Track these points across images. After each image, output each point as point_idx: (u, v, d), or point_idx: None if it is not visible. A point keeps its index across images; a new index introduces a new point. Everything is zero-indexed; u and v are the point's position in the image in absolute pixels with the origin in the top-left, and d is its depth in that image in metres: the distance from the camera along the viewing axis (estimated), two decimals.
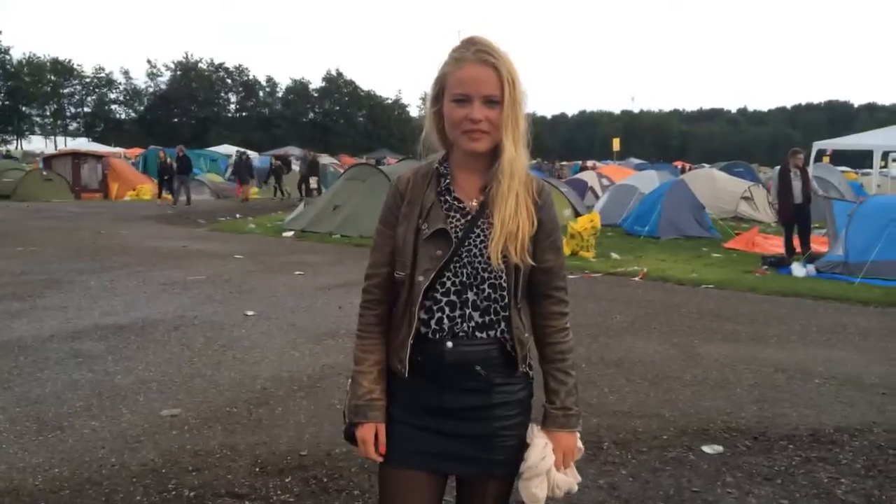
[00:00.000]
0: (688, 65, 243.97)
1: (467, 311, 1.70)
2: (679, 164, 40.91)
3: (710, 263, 11.28)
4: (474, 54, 1.65)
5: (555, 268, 1.79)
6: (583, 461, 3.80)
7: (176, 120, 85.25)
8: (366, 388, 1.76)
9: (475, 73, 1.64)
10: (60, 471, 3.60)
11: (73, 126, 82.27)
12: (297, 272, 9.85)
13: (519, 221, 1.68)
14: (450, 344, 1.70)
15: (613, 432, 4.23)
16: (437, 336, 1.70)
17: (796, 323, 7.23)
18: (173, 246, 12.52)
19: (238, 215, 18.89)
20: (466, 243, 1.70)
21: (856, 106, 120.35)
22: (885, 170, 23.17)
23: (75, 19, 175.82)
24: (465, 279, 1.70)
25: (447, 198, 1.74)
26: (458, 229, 1.71)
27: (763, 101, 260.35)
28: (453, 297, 1.70)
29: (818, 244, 11.72)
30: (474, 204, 1.73)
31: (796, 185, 11.37)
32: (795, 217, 11.44)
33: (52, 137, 77.91)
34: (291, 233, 14.62)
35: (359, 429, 1.77)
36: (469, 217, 1.72)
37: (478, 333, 1.71)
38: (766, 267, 10.65)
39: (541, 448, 1.75)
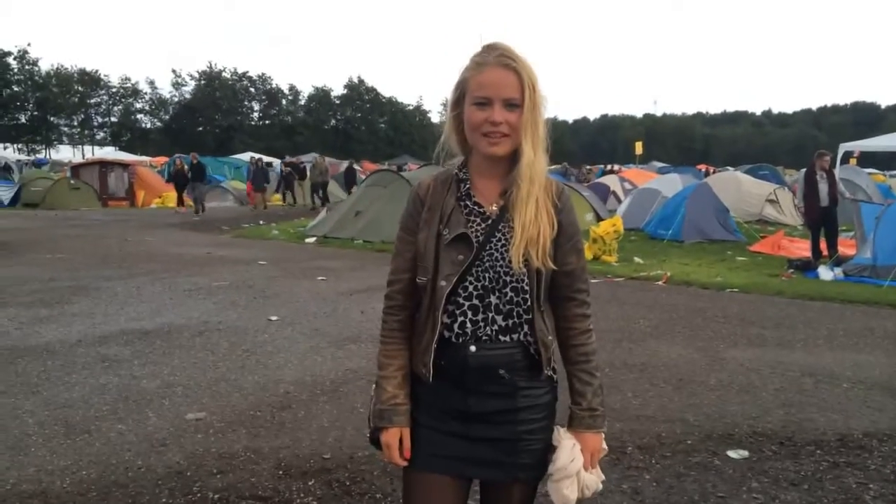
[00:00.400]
0: (711, 67, 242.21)
1: (490, 315, 1.71)
2: (703, 167, 40.56)
3: (734, 267, 11.17)
4: (496, 59, 1.67)
5: (576, 270, 1.79)
6: (606, 466, 3.79)
7: (200, 129, 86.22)
8: (390, 392, 1.77)
9: (496, 77, 1.66)
10: (88, 473, 3.65)
11: (100, 135, 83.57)
12: (319, 278, 9.91)
13: (540, 226, 1.69)
14: (473, 348, 1.70)
15: (637, 437, 4.20)
16: (461, 340, 1.71)
17: (823, 327, 7.13)
18: (198, 252, 12.65)
19: (262, 221, 19.05)
20: (488, 247, 1.71)
21: (882, 107, 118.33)
22: None
23: (102, 31, 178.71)
24: (487, 283, 1.71)
25: (467, 203, 1.76)
26: (478, 234, 1.72)
27: (787, 102, 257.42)
28: (476, 301, 1.71)
29: (845, 247, 11.55)
30: (494, 208, 1.74)
31: (822, 187, 11.22)
32: (822, 220, 11.29)
33: (80, 146, 79.21)
34: (314, 239, 14.71)
35: (384, 433, 1.78)
36: (489, 221, 1.73)
37: (501, 337, 1.72)
38: (792, 270, 10.51)
39: (569, 450, 1.75)
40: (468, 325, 1.71)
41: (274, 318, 7.26)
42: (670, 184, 18.39)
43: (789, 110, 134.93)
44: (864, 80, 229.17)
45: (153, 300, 8.20)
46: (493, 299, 1.71)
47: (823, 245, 11.33)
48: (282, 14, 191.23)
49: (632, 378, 5.36)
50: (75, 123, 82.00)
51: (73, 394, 4.88)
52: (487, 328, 1.71)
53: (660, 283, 9.85)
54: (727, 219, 14.95)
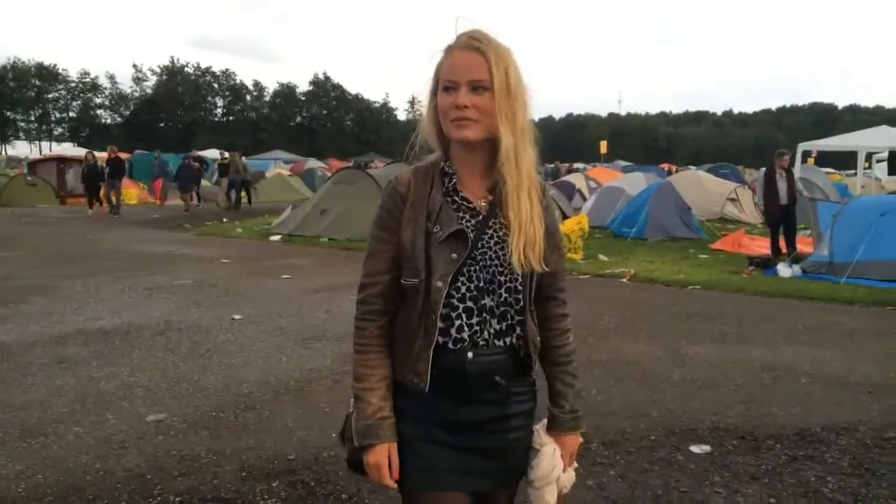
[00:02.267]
0: (674, 67, 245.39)
1: (486, 318, 1.64)
2: (666, 166, 41.09)
3: (696, 264, 11.33)
4: (463, 41, 1.61)
5: (559, 270, 1.76)
6: None
7: (162, 124, 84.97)
8: (375, 405, 1.64)
9: (461, 59, 1.60)
10: (44, 477, 3.56)
11: (58, 131, 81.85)
12: (284, 276, 9.81)
13: (535, 224, 1.63)
14: (471, 354, 1.62)
15: (601, 433, 4.23)
16: (459, 346, 1.62)
17: (782, 323, 7.27)
18: (159, 250, 12.44)
19: (225, 219, 18.80)
20: (480, 245, 1.63)
21: (839, 108, 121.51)
22: (868, 171, 23.36)
23: (60, 24, 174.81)
24: (481, 284, 1.63)
25: (455, 198, 1.67)
26: (469, 230, 1.63)
27: (748, 103, 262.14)
28: (470, 304, 1.63)
29: (803, 245, 11.79)
30: (483, 204, 1.66)
31: (782, 186, 11.43)
32: (781, 218, 11.51)
33: (37, 142, 77.42)
34: (278, 236, 14.56)
35: (370, 452, 1.64)
36: (480, 217, 1.65)
37: (496, 342, 1.65)
38: (752, 268, 10.70)
39: (550, 456, 1.73)
40: (465, 329, 1.62)
41: (237, 316, 7.17)
42: (634, 182, 18.59)
43: (750, 110, 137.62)
44: (822, 81, 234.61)
45: (113, 299, 8.04)
46: (487, 301, 1.63)
47: (782, 243, 11.56)
48: (246, 9, 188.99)
49: (596, 374, 5.40)
50: (32, 118, 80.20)
51: (29, 396, 4.76)
52: (485, 332, 1.64)
53: (624, 280, 9.95)
54: (689, 217, 15.16)
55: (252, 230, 15.95)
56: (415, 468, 1.65)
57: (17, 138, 78.73)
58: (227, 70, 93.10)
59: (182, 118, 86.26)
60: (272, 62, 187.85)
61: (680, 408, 4.71)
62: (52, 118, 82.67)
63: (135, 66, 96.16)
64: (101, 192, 20.62)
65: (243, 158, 24.08)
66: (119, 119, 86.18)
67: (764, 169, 12.36)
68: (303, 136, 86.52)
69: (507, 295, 1.65)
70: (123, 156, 34.66)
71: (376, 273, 1.67)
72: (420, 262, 1.61)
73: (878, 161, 23.00)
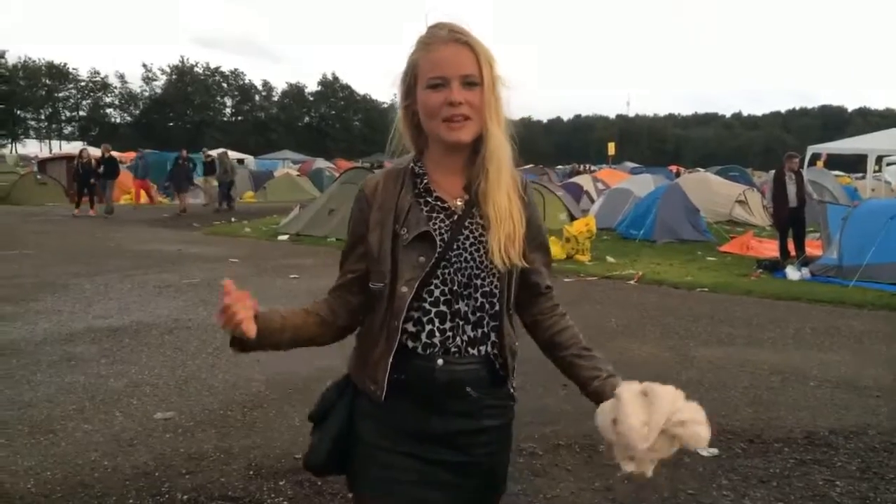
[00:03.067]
0: (683, 69, 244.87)
1: (459, 323, 1.55)
2: (674, 168, 41.01)
3: (704, 267, 11.30)
4: (446, 35, 1.53)
5: (545, 268, 1.71)
6: (578, 464, 3.81)
7: (171, 124, 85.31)
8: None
9: (450, 54, 1.51)
10: (53, 474, 3.58)
11: (67, 130, 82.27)
12: (292, 276, 9.83)
13: (513, 220, 1.56)
14: (441, 361, 1.53)
15: None
16: (428, 352, 1.53)
17: (791, 326, 7.24)
18: (168, 249, 12.48)
19: (233, 219, 18.85)
20: (455, 247, 1.54)
21: (849, 111, 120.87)
22: (878, 174, 23.25)
23: (71, 23, 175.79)
24: (455, 287, 1.54)
25: (428, 199, 1.58)
26: (443, 231, 1.55)
27: (757, 105, 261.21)
28: (443, 308, 1.54)
29: (811, 248, 11.74)
30: (459, 203, 1.58)
31: (791, 189, 11.39)
32: (790, 221, 11.47)
33: (47, 141, 77.87)
34: (286, 236, 14.60)
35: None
36: (455, 218, 1.56)
37: (470, 349, 1.56)
38: (760, 270, 10.67)
39: (633, 394, 1.45)
40: (437, 334, 1.54)
41: None
42: (642, 184, 18.56)
43: (759, 113, 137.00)
44: (832, 84, 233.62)
45: (121, 298, 8.07)
46: (461, 306, 1.54)
47: (791, 245, 11.52)
48: (257, 9, 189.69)
49: None
50: (42, 117, 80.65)
51: (37, 393, 4.79)
52: (457, 339, 1.55)
53: (631, 282, 9.93)
54: (697, 219, 15.12)
55: (260, 230, 16.00)
56: (370, 475, 1.57)
57: (28, 137, 79.14)
58: (236, 70, 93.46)
59: (191, 118, 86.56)
60: (281, 62, 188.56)
61: None
62: (63, 117, 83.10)
63: (144, 65, 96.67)
64: (96, 192, 19.62)
65: (230, 157, 23.72)
66: (129, 118, 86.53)
67: (773, 171, 12.29)
68: (311, 137, 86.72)
69: (483, 300, 1.56)
70: (129, 156, 34.59)
71: (348, 266, 1.65)
72: (386, 265, 1.55)
73: (889, 164, 22.88)
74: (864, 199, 14.75)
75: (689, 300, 8.68)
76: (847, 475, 3.74)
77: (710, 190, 18.51)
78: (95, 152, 22.23)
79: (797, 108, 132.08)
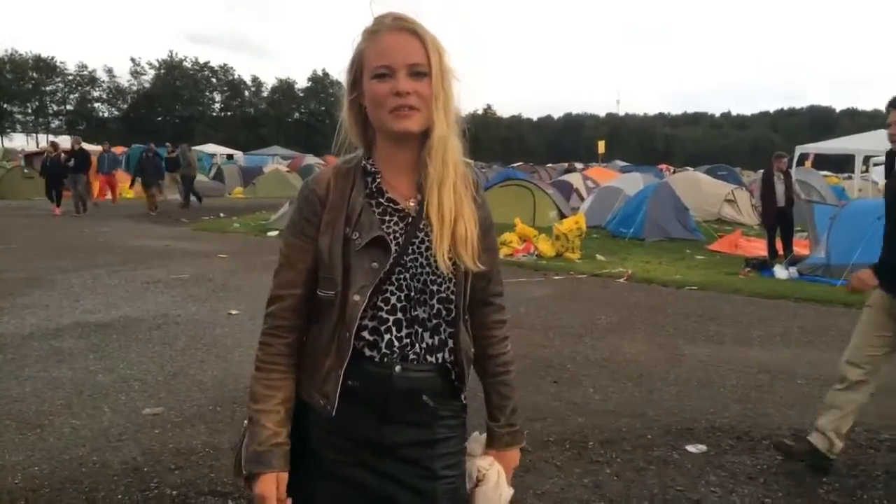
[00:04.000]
0: (673, 68, 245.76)
1: (418, 331, 1.49)
2: (663, 166, 41.14)
3: (693, 265, 11.35)
4: (392, 22, 1.46)
5: (493, 272, 1.62)
6: (568, 460, 3.82)
7: (159, 118, 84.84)
8: (270, 430, 1.46)
9: (396, 42, 1.44)
10: (40, 469, 3.56)
11: (55, 124, 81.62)
12: None
13: (464, 219, 1.48)
14: (399, 368, 1.46)
15: (598, 431, 4.24)
16: (386, 360, 1.46)
17: (779, 324, 7.29)
18: (156, 245, 12.41)
19: (222, 214, 18.77)
20: (410, 251, 1.47)
21: (837, 111, 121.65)
22: (866, 174, 23.41)
23: (58, 16, 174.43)
24: (412, 293, 1.48)
25: (380, 200, 1.50)
26: (397, 235, 1.47)
27: (746, 105, 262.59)
28: (400, 315, 1.47)
29: (800, 247, 11.82)
30: (412, 204, 1.50)
31: (779, 188, 11.46)
32: (778, 220, 11.54)
33: (34, 135, 77.26)
34: (276, 232, 14.54)
35: (257, 482, 1.44)
36: (408, 220, 1.49)
37: (428, 357, 1.50)
38: (749, 269, 10.72)
39: (494, 483, 1.58)
40: (395, 342, 1.46)
41: (234, 311, 7.16)
42: (632, 182, 18.60)
43: (747, 112, 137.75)
44: (820, 84, 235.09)
45: (109, 293, 8.02)
46: (419, 312, 1.48)
47: (779, 244, 11.59)
48: (246, 3, 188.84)
49: (593, 373, 5.41)
50: (29, 111, 79.99)
51: (25, 388, 4.75)
52: (416, 346, 1.48)
53: (621, 280, 9.96)
54: (687, 218, 15.18)
55: (249, 225, 15.94)
56: (319, 487, 1.49)
57: (14, 130, 78.51)
58: (225, 65, 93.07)
59: (180, 113, 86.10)
60: (271, 58, 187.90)
61: (676, 407, 4.72)
62: (50, 111, 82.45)
63: (133, 59, 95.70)
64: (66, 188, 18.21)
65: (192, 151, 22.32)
66: (116, 113, 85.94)
67: (762, 171, 12.36)
68: (301, 133, 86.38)
69: (439, 306, 1.50)
70: (118, 150, 33.78)
71: (289, 285, 1.51)
72: (337, 272, 1.45)
73: (876, 164, 23.04)
74: (851, 199, 14.85)
75: (678, 298, 8.71)
76: (834, 472, 3.76)
77: (699, 189, 18.58)
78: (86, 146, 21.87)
79: (786, 108, 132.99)
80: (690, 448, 4.03)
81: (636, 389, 5.07)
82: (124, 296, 7.88)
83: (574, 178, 22.31)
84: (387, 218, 1.49)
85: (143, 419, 4.26)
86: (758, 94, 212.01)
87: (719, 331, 6.95)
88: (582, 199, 19.47)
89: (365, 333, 1.47)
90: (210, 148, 48.13)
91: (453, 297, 1.51)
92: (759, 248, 12.69)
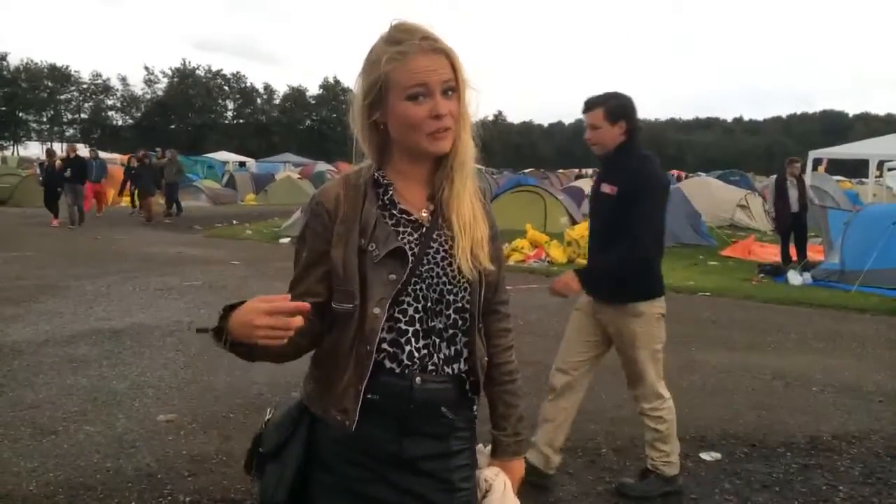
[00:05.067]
0: (684, 73, 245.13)
1: (436, 341, 1.48)
2: (675, 172, 40.99)
3: (706, 271, 11.29)
4: (421, 42, 1.42)
5: (498, 282, 1.61)
6: (581, 467, 3.81)
7: (173, 126, 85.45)
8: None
9: (429, 63, 1.42)
10: (55, 475, 3.58)
11: (69, 132, 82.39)
12: None
13: (479, 222, 1.51)
14: (419, 380, 1.45)
15: (612, 438, 4.22)
16: (407, 371, 1.45)
17: (793, 331, 7.23)
18: (169, 252, 12.49)
19: (235, 221, 18.86)
20: (425, 261, 1.47)
21: (850, 116, 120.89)
22: (880, 179, 23.23)
23: (73, 26, 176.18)
24: (429, 304, 1.47)
25: (392, 211, 1.49)
26: (412, 246, 1.47)
27: (758, 110, 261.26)
28: (418, 326, 1.47)
29: (813, 253, 11.74)
30: (425, 215, 1.50)
31: (792, 193, 11.40)
32: (792, 226, 11.47)
33: (49, 143, 77.98)
34: (288, 239, 14.59)
35: (233, 315, 1.35)
36: (423, 230, 1.49)
37: (445, 368, 1.49)
38: (762, 275, 10.66)
39: (500, 493, 1.57)
40: (415, 354, 1.46)
41: None
42: None
43: (760, 117, 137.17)
44: (833, 89, 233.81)
45: (123, 300, 8.07)
46: (437, 323, 1.48)
47: (793, 250, 11.51)
48: (257, 14, 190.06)
49: (606, 380, 5.36)
50: (44, 119, 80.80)
51: (39, 394, 4.78)
52: (434, 357, 1.48)
53: None
54: (699, 223, 15.11)
55: (262, 233, 16.02)
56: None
57: (30, 139, 79.38)
58: (237, 73, 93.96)
59: (193, 120, 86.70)
60: (282, 66, 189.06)
61: (690, 415, 4.68)
62: (64, 119, 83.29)
63: (146, 68, 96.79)
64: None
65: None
66: (130, 121, 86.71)
67: (775, 176, 12.29)
68: (312, 140, 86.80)
69: (455, 315, 1.50)
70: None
71: (306, 295, 1.44)
72: (354, 285, 1.43)
73: (890, 169, 22.87)
74: (865, 205, 14.73)
75: (690, 304, 8.66)
76: (850, 480, 3.73)
77: (711, 194, 18.51)
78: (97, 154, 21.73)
79: (798, 112, 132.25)
80: (704, 456, 4.00)
81: None
82: (138, 303, 7.92)
83: (585, 184, 22.26)
84: (401, 229, 1.48)
85: (156, 426, 4.28)
86: (770, 99, 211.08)
87: (733, 337, 6.91)
88: None
89: (385, 346, 1.45)
90: (222, 155, 48.36)
91: (469, 305, 1.51)
92: (772, 253, 12.61)
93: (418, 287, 1.46)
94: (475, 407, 1.58)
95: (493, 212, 1.63)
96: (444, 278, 1.48)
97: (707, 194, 18.21)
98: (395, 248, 1.45)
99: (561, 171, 42.66)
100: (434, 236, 1.49)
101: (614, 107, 3.32)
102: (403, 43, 1.42)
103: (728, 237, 15.25)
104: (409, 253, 1.46)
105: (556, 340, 6.54)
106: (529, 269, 11.17)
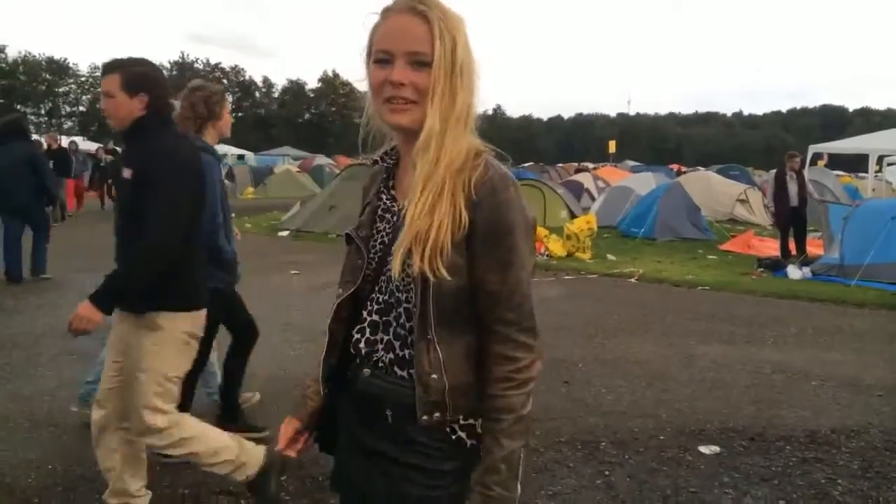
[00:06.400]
0: (684, 68, 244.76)
1: (387, 339, 1.41)
2: (675, 166, 40.98)
3: (705, 265, 11.29)
4: (403, 3, 1.32)
5: (499, 293, 1.33)
6: (580, 460, 3.81)
7: None
8: (312, 379, 1.59)
9: (399, 24, 1.31)
10: (54, 467, 3.58)
11: (67, 125, 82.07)
12: (292, 271, 9.83)
13: (434, 218, 1.29)
14: (367, 371, 1.42)
15: (611, 432, 4.22)
16: (358, 360, 1.45)
17: (792, 325, 7.24)
18: None
19: (233, 215, 18.78)
20: (391, 252, 1.38)
21: (850, 110, 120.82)
22: (880, 174, 23.20)
23: (71, 18, 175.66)
24: (388, 297, 1.41)
25: (385, 196, 1.48)
26: (384, 235, 1.43)
27: (758, 104, 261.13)
28: (376, 318, 1.43)
29: (813, 247, 11.74)
30: (405, 203, 1.39)
31: (792, 188, 11.40)
32: (791, 220, 11.47)
33: (40, 136, 77.79)
34: (287, 232, 14.59)
35: (288, 420, 1.61)
36: (396, 220, 1.42)
37: (398, 370, 1.38)
38: (761, 269, 10.65)
39: None
40: (362, 344, 1.43)
41: None
42: (643, 182, 18.53)
43: (759, 112, 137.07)
44: (833, 83, 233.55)
45: None
46: (391, 318, 1.40)
47: (792, 245, 11.51)
48: (258, 4, 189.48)
49: (605, 373, 5.39)
50: (42, 112, 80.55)
51: (38, 386, 4.78)
52: (385, 354, 1.40)
53: (632, 280, 9.93)
54: (699, 218, 15.11)
55: (261, 226, 15.99)
56: (334, 470, 1.59)
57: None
58: (236, 66, 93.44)
59: None
60: (281, 59, 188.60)
61: (689, 408, 4.69)
62: (63, 112, 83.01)
63: None
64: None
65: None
66: None
67: (774, 171, 12.29)
68: (312, 133, 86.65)
69: (405, 316, 1.37)
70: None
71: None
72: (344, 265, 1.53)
73: (890, 164, 22.85)
74: (865, 199, 14.72)
75: (690, 298, 8.67)
76: (849, 474, 3.73)
77: (711, 188, 18.50)
78: (89, 146, 20.73)
79: (798, 107, 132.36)
80: (703, 449, 4.00)
81: (648, 390, 5.04)
82: None
83: (585, 178, 22.25)
84: (385, 216, 1.47)
85: None
86: (769, 94, 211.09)
87: (732, 331, 6.91)
88: (593, 199, 19.41)
89: (353, 332, 1.47)
90: (221, 148, 48.25)
91: (414, 309, 1.34)
92: (771, 248, 12.61)
93: (383, 279, 1.42)
94: (455, 435, 1.39)
95: (504, 211, 1.33)
96: (393, 274, 1.37)
97: (706, 188, 18.20)
98: (346, 235, 1.50)
99: (560, 165, 42.54)
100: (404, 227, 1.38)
101: (135, 74, 2.77)
102: (393, 3, 1.36)
103: (727, 231, 15.25)
104: (378, 242, 1.45)
105: (553, 334, 6.59)
106: None
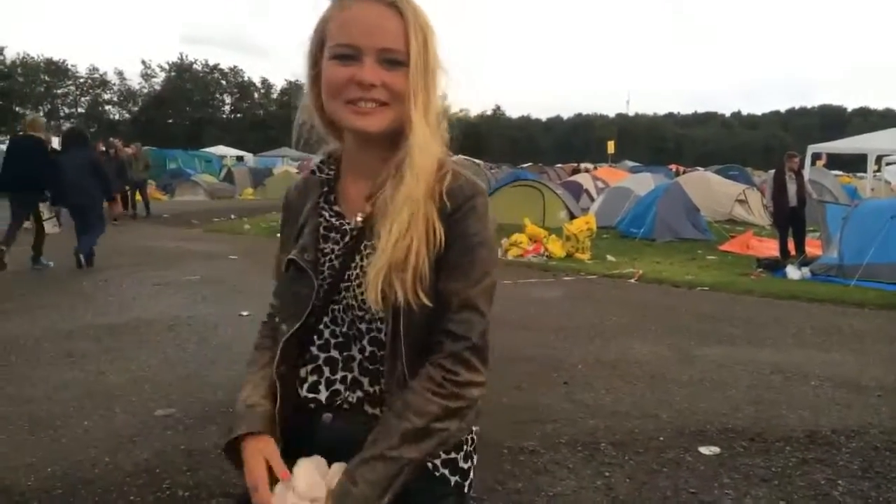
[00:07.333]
0: (682, 68, 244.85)
1: (351, 376, 1.24)
2: (674, 167, 40.99)
3: (705, 266, 11.29)
4: None
5: (452, 304, 1.19)
6: (579, 462, 3.80)
7: (170, 121, 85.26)
8: (247, 391, 1.33)
9: (367, 16, 1.14)
10: (53, 470, 3.57)
11: (66, 126, 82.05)
12: None
13: (411, 241, 1.14)
14: (327, 416, 1.24)
15: (610, 433, 4.21)
16: (314, 405, 1.25)
17: (792, 325, 7.24)
18: (167, 246, 12.47)
19: (233, 216, 18.83)
20: (346, 278, 1.22)
21: (849, 110, 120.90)
22: (878, 174, 23.23)
23: (69, 19, 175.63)
24: (347, 329, 1.23)
25: (329, 211, 1.28)
26: (333, 259, 1.24)
27: (757, 104, 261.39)
28: (334, 353, 1.25)
29: (812, 247, 11.75)
30: (358, 220, 1.24)
31: (791, 188, 11.41)
32: (790, 220, 11.49)
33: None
34: None
35: (244, 446, 1.25)
36: (347, 240, 1.24)
37: (368, 408, 1.23)
38: (760, 269, 10.66)
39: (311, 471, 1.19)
40: (322, 385, 1.24)
41: (245, 312, 7.17)
42: (642, 183, 18.55)
43: (758, 112, 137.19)
44: (831, 83, 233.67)
45: (121, 294, 8.05)
46: (355, 352, 1.23)
47: (791, 245, 11.52)
48: (256, 5, 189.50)
49: (604, 374, 5.39)
50: (41, 114, 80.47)
51: (37, 389, 4.77)
52: (350, 393, 1.23)
53: (632, 280, 9.93)
54: (698, 218, 15.13)
55: (260, 227, 16.00)
56: None
57: None
58: (235, 67, 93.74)
59: (190, 115, 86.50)
60: (279, 60, 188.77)
61: (689, 409, 4.69)
62: (61, 114, 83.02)
63: (143, 62, 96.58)
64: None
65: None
66: (127, 115, 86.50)
67: (773, 171, 12.30)
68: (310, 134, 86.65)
69: (371, 348, 1.22)
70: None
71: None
72: (279, 296, 1.32)
73: (889, 164, 22.88)
74: (864, 199, 14.74)
75: (689, 299, 8.67)
76: (849, 474, 3.73)
77: (710, 189, 18.52)
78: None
79: (796, 107, 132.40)
80: (703, 450, 4.00)
81: (648, 391, 5.04)
82: (136, 297, 7.91)
83: (584, 179, 22.26)
84: (330, 234, 1.26)
85: (155, 420, 4.27)
86: (768, 94, 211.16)
87: (731, 332, 6.91)
88: (592, 199, 19.42)
89: (302, 371, 1.27)
90: (220, 150, 48.30)
91: (384, 339, 1.20)
92: (771, 248, 12.62)
93: (336, 308, 1.23)
94: (439, 472, 1.25)
95: (472, 220, 1.20)
96: (354, 303, 1.21)
97: (706, 189, 18.22)
98: (290, 259, 1.26)
99: (559, 165, 42.55)
100: (361, 248, 1.22)
101: None
102: None
103: (726, 232, 15.26)
104: (327, 266, 1.24)
105: (552, 335, 6.60)
106: (528, 263, 11.17)
